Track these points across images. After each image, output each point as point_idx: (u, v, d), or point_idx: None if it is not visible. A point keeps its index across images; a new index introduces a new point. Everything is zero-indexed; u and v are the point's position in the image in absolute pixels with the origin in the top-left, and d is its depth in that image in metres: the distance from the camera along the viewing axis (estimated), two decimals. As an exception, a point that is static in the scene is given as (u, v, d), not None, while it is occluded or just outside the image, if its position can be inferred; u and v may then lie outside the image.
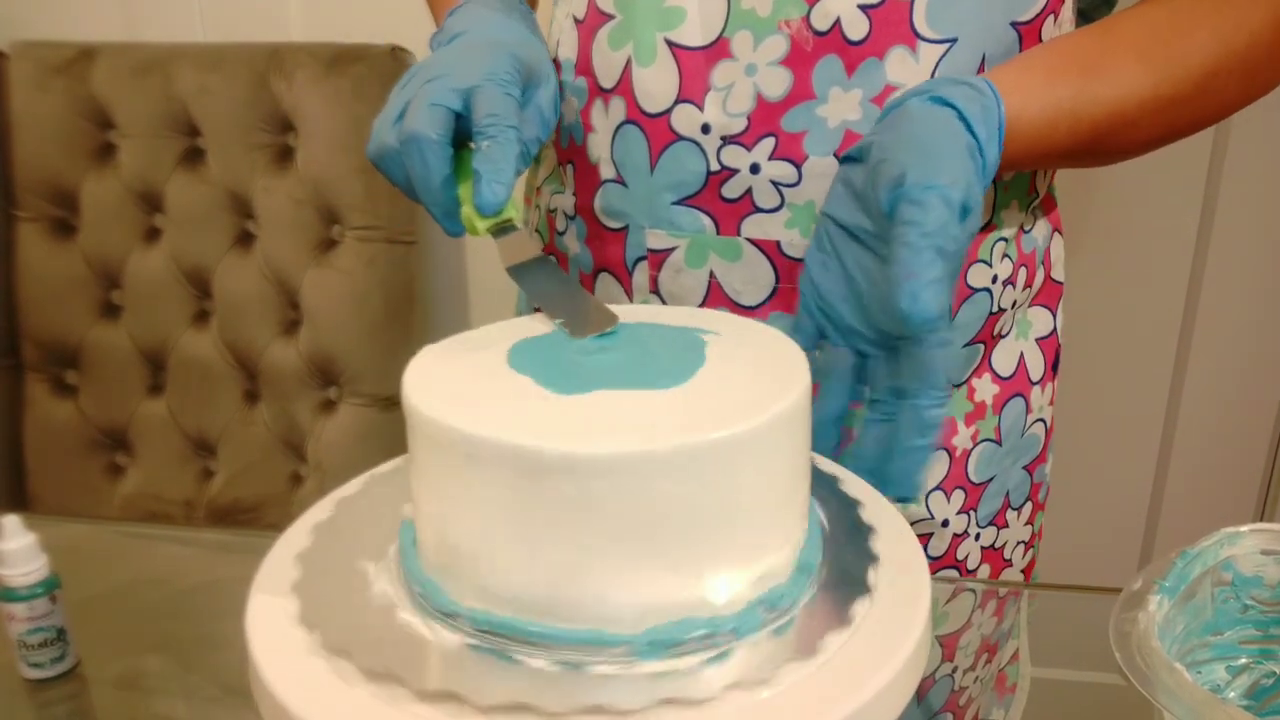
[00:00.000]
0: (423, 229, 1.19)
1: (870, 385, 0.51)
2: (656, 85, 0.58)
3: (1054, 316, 0.68)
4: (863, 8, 0.54)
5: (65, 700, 0.58)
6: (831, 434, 0.51)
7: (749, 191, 0.58)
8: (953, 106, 0.50)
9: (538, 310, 0.48)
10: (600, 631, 0.35)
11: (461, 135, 0.50)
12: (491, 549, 0.36)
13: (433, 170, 0.48)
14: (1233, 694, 0.47)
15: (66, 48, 1.20)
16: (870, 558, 0.41)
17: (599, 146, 0.62)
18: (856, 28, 0.55)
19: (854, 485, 0.47)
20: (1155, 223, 1.08)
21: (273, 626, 0.38)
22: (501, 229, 0.50)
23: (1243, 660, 0.48)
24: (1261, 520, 1.09)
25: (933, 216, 0.45)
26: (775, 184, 0.58)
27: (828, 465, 0.49)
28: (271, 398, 1.21)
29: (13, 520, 0.56)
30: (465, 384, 0.39)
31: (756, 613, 0.37)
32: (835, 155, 0.56)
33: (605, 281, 0.65)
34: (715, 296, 0.61)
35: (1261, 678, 0.48)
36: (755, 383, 0.38)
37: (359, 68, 1.11)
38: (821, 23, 0.55)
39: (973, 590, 0.63)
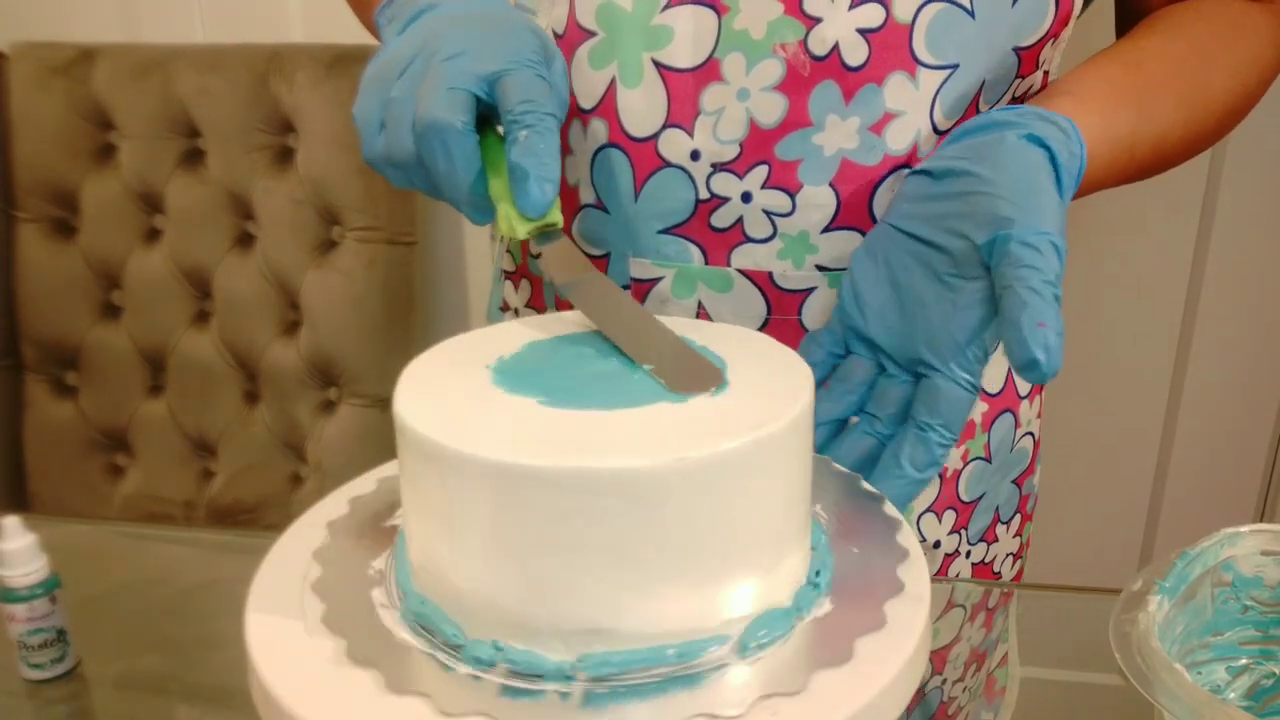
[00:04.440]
0: (423, 229, 1.19)
1: (874, 401, 0.50)
2: (643, 108, 0.55)
3: None
4: (862, 32, 0.52)
5: (65, 700, 0.58)
6: (823, 434, 0.50)
7: (740, 221, 0.56)
8: (1047, 149, 0.48)
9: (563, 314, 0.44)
10: (601, 653, 0.34)
11: (480, 119, 0.45)
12: (480, 568, 0.35)
13: (459, 164, 0.43)
14: (1233, 694, 0.47)
15: (66, 48, 1.20)
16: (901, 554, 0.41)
17: (577, 169, 0.59)
18: (855, 53, 0.53)
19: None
20: (1155, 221, 1.08)
21: (273, 627, 0.38)
22: (545, 234, 0.45)
23: (1243, 661, 0.48)
24: (1261, 520, 1.09)
25: (1051, 263, 0.44)
26: (768, 213, 0.56)
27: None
28: (271, 398, 1.21)
29: (13, 520, 0.56)
30: (456, 397, 0.37)
31: (762, 627, 0.36)
32: (831, 184, 0.55)
33: None
34: None
35: (1261, 678, 0.48)
36: (755, 401, 0.37)
37: (359, 69, 1.10)
38: (819, 47, 0.53)
39: (963, 606, 0.63)
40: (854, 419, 0.51)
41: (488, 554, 0.34)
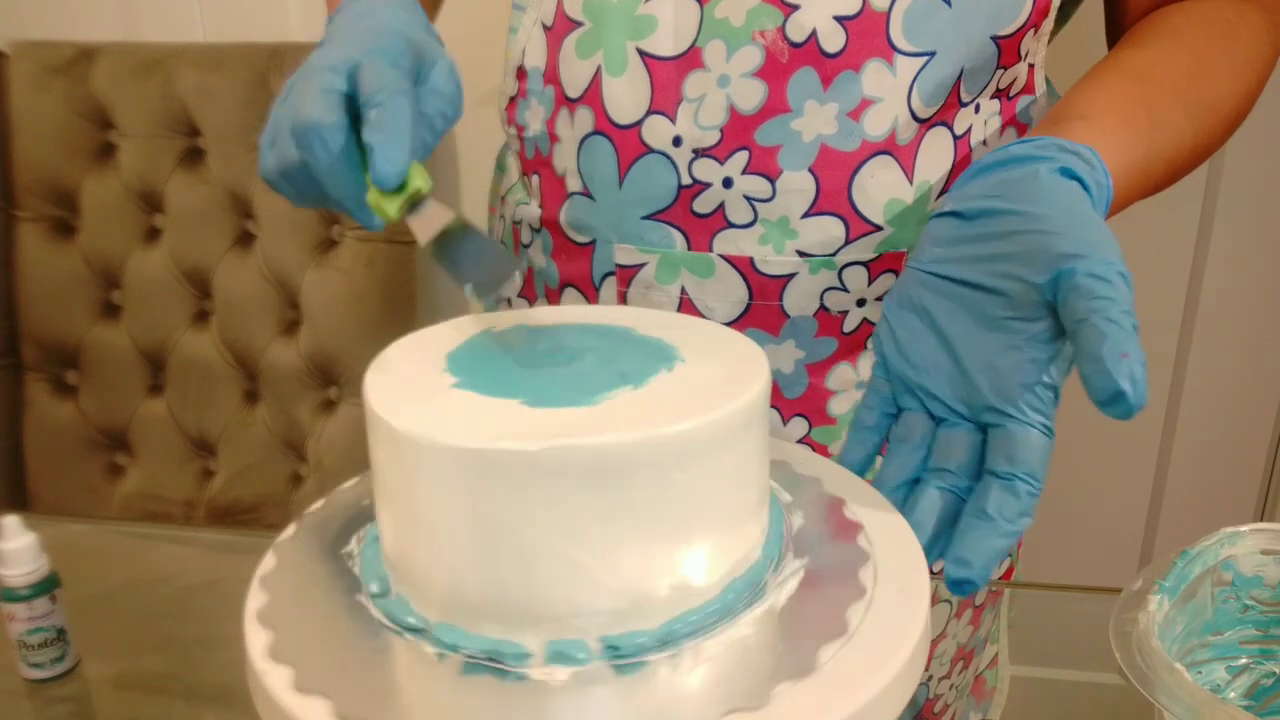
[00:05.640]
0: (423, 229, 1.19)
1: (939, 454, 0.46)
2: (627, 96, 0.56)
3: None
4: (839, 19, 0.53)
5: (65, 700, 0.58)
6: (897, 499, 0.47)
7: (721, 206, 0.57)
8: (1080, 180, 0.47)
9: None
10: (563, 640, 0.35)
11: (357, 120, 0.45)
12: (448, 555, 0.35)
13: (339, 161, 0.43)
14: (1233, 694, 0.47)
15: (66, 48, 1.20)
16: (862, 557, 0.41)
17: (565, 158, 0.60)
18: (833, 40, 0.54)
19: (836, 484, 0.47)
20: (1155, 221, 1.08)
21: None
22: (414, 206, 0.44)
23: (1243, 660, 0.48)
24: (1261, 520, 1.09)
25: (1123, 294, 0.41)
26: (748, 199, 0.56)
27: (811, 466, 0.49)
28: (271, 398, 1.21)
29: (13, 520, 0.57)
30: (419, 388, 0.38)
31: (718, 612, 0.37)
32: (810, 170, 0.55)
33: (572, 297, 0.64)
34: (687, 313, 0.59)
35: (1261, 678, 0.48)
36: (710, 386, 0.38)
37: (359, 68, 1.11)
38: (797, 34, 0.54)
39: (949, 601, 0.62)
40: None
41: (455, 540, 0.35)
